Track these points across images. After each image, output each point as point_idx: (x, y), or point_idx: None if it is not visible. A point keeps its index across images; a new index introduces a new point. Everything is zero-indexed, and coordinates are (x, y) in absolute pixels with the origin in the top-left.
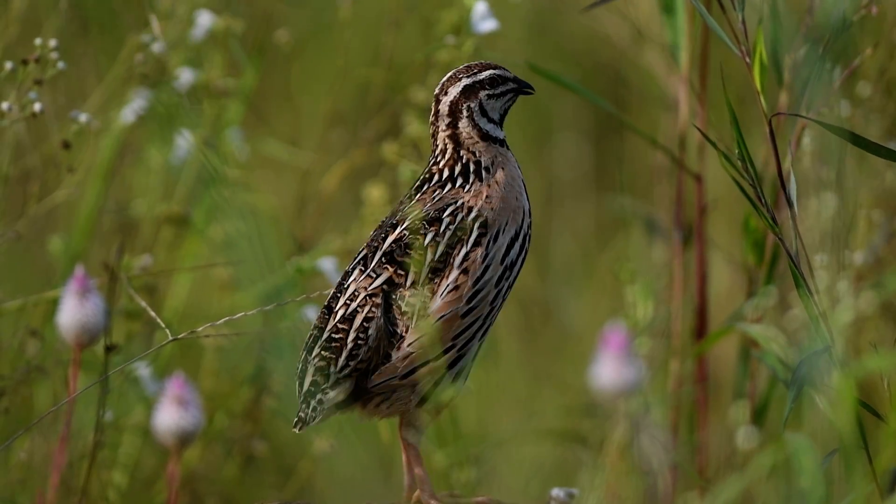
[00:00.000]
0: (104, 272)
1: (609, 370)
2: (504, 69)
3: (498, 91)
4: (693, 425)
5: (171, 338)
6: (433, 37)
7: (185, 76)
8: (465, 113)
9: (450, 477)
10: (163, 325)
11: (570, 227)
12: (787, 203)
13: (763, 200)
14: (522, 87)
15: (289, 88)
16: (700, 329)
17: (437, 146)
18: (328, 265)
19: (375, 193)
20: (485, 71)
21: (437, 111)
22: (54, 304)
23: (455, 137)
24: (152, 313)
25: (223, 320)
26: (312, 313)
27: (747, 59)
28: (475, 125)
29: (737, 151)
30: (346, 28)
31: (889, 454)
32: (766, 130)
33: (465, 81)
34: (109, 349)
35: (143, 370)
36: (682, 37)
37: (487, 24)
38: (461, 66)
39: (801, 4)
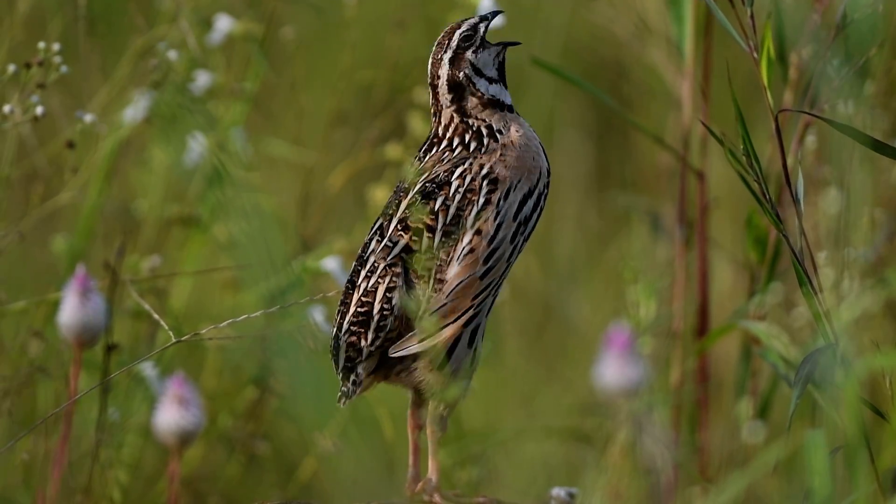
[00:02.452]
0: (106, 272)
1: (612, 369)
2: (466, 20)
3: (477, 43)
4: (695, 424)
5: (174, 339)
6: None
7: (202, 79)
8: (465, 83)
9: (452, 476)
10: (166, 327)
11: (572, 224)
12: (793, 200)
13: (767, 197)
14: (492, 19)
15: (293, 88)
16: (702, 327)
17: (441, 122)
18: (333, 265)
19: (380, 194)
20: (454, 34)
21: (436, 96)
22: (56, 305)
23: (461, 110)
24: (154, 314)
25: (226, 322)
26: (318, 314)
27: (755, 55)
28: (476, 90)
29: (742, 147)
30: (350, 28)
31: (892, 453)
32: (773, 126)
33: (447, 56)
34: (110, 349)
35: (149, 370)
36: (687, 32)
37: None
38: (433, 48)
39: (807, 1)
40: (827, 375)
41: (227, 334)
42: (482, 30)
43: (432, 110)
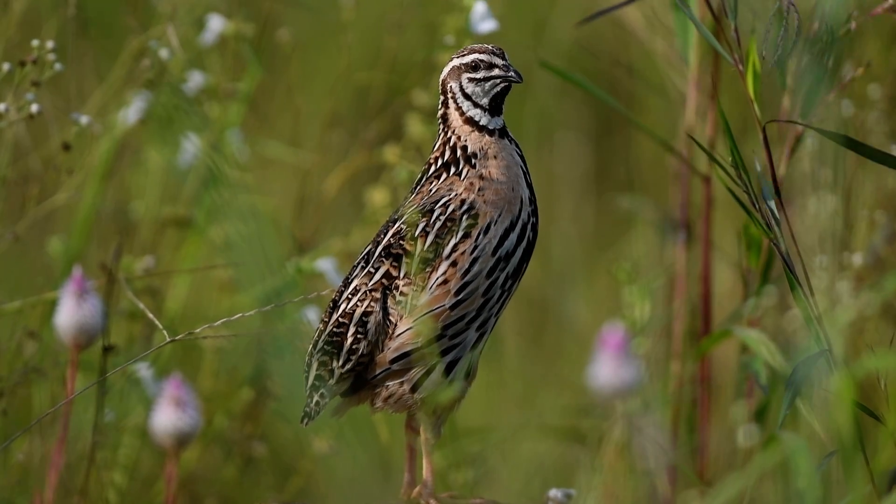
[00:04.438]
0: (102, 273)
1: (607, 370)
2: (496, 55)
3: (479, 76)
4: (692, 426)
5: (168, 339)
6: (435, 39)
7: (195, 79)
8: (449, 94)
9: (449, 477)
10: (161, 327)
11: (571, 226)
12: (779, 207)
13: (756, 205)
14: (507, 76)
15: (289, 89)
16: (704, 330)
17: (438, 125)
18: (327, 266)
19: (377, 196)
20: (471, 54)
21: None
22: (52, 306)
23: (445, 117)
24: (150, 315)
25: (221, 321)
26: (312, 314)
27: (740, 67)
28: (458, 108)
29: (730, 158)
30: (347, 30)
31: (887, 455)
32: (761, 137)
33: (454, 62)
34: (107, 350)
35: (144, 371)
36: (692, 37)
37: (487, 25)
38: (464, 47)
39: (805, 6)
40: (819, 379)
41: (223, 334)
42: (496, 72)
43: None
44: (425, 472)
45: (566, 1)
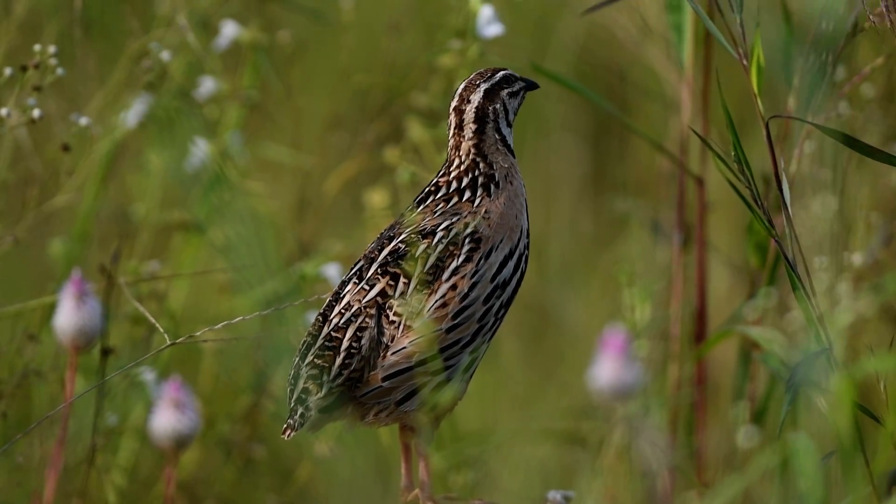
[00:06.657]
0: (102, 276)
1: (608, 372)
2: (510, 70)
3: (515, 88)
4: (691, 428)
5: (169, 342)
6: (435, 41)
7: (207, 85)
8: (491, 117)
9: (448, 479)
10: (161, 330)
11: (569, 228)
12: (782, 206)
13: (760, 203)
14: (529, 84)
15: (290, 91)
16: (699, 332)
17: (454, 158)
18: (332, 272)
19: (376, 198)
20: (498, 73)
21: (460, 122)
22: (52, 308)
23: (479, 146)
24: (150, 317)
25: (222, 324)
26: (312, 318)
27: (744, 62)
28: (498, 130)
29: (733, 154)
30: (347, 32)
31: (886, 456)
32: (764, 133)
33: (484, 86)
34: (106, 353)
35: (147, 374)
36: (687, 38)
37: (493, 29)
38: (472, 75)
39: (807, 6)
40: (819, 380)
41: (223, 337)
42: (520, 85)
43: (450, 142)
44: (422, 473)
45: (565, 2)
